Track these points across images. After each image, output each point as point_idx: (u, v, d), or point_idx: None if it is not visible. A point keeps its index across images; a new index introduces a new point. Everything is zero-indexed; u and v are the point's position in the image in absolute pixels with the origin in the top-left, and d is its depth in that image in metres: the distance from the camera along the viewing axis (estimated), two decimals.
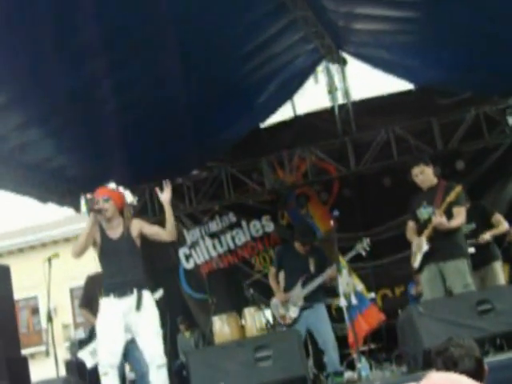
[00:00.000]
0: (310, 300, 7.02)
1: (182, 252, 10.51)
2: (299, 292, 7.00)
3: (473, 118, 9.27)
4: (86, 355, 6.64)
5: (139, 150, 8.44)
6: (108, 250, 5.24)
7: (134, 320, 5.09)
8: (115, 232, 5.27)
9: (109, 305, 5.12)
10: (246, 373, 5.74)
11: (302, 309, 6.99)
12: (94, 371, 5.53)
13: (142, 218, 10.18)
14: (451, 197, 6.14)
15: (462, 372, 2.30)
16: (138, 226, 5.32)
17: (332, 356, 6.83)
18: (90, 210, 5.22)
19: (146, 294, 5.19)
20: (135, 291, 5.10)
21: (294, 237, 7.33)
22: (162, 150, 8.77)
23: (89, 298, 6.86)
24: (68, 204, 9.00)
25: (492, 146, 9.46)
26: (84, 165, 8.53)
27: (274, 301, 7.24)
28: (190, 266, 10.51)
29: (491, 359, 4.92)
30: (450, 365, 2.36)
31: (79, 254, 5.18)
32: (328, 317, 7.09)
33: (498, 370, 4.49)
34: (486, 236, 7.11)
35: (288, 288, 7.13)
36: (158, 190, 5.78)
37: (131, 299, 5.09)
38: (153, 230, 5.37)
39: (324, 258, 7.22)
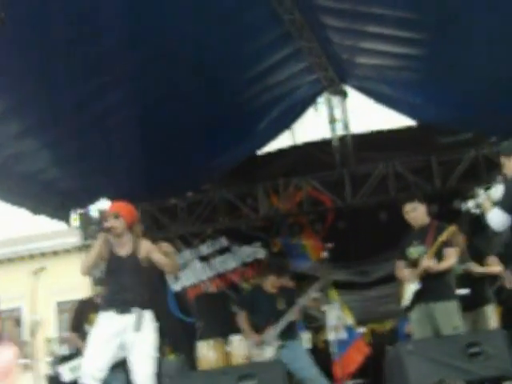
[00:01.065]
0: (284, 338, 6.93)
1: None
2: (273, 332, 6.91)
3: (472, 158, 9.27)
4: (65, 370, 6.54)
5: (134, 169, 8.39)
6: (114, 266, 5.15)
7: (130, 339, 4.99)
8: (123, 249, 5.18)
9: (107, 319, 5.03)
10: None
11: (279, 348, 6.89)
12: None
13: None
14: (443, 237, 6.10)
15: None
16: (147, 249, 5.21)
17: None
18: (100, 229, 5.16)
19: (148, 314, 5.10)
20: (136, 310, 5.02)
21: (268, 272, 7.28)
22: (157, 171, 8.72)
23: (78, 322, 6.76)
24: (59, 217, 8.93)
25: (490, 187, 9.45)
26: (77, 179, 8.47)
27: (249, 343, 7.13)
28: (177, 288, 10.39)
29: None
30: None
31: (87, 271, 5.14)
32: (307, 351, 7.00)
33: None
34: (478, 269, 7.05)
35: (260, 329, 7.05)
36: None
37: (131, 318, 5.00)
38: (160, 260, 5.23)
39: (293, 295, 7.17)
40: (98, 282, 6.92)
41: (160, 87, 7.10)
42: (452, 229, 6.14)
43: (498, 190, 5.38)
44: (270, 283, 7.08)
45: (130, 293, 5.05)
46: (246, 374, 5.72)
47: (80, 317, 6.77)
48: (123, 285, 5.07)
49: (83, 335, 5.42)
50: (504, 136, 9.14)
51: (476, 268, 7.06)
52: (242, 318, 7.17)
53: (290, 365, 6.74)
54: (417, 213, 6.40)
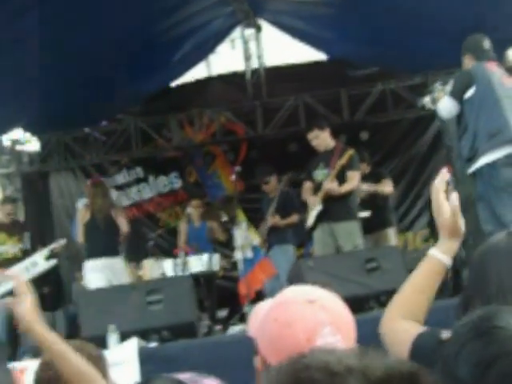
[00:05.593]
0: None
1: (82, 203, 10.39)
2: None
3: (379, 92, 9.60)
4: None
5: (47, 97, 8.31)
6: None
7: None
8: None
9: None
10: (136, 316, 5.85)
11: None
12: None
13: (48, 168, 10.22)
14: (343, 160, 6.41)
15: None
16: None
17: None
18: None
19: None
20: None
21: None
22: (71, 98, 8.65)
23: None
24: None
25: (396, 120, 9.89)
26: None
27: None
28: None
29: (375, 314, 5.18)
30: None
31: None
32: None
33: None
34: (364, 187, 7.39)
35: None
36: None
37: None
38: None
39: None
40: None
41: (71, 12, 7.01)
42: (350, 153, 6.46)
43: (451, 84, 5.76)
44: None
45: None
46: (153, 289, 5.92)
47: None
48: None
49: None
50: (411, 72, 9.54)
51: (362, 187, 7.42)
52: None
53: None
54: (319, 140, 6.71)
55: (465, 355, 1.12)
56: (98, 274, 7.21)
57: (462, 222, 1.79)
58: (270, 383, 0.65)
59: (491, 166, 5.31)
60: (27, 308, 2.05)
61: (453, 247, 1.79)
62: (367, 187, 7.44)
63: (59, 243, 7.34)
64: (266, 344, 1.56)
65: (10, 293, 2.18)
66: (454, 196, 1.80)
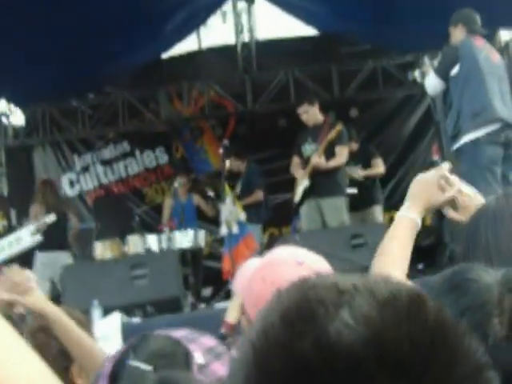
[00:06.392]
0: None
1: (68, 178, 10.31)
2: None
3: (370, 69, 9.53)
4: None
5: (35, 68, 8.18)
6: None
7: None
8: None
9: None
10: (121, 290, 5.80)
11: None
12: None
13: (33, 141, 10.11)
14: (332, 135, 6.36)
15: None
16: None
17: None
18: None
19: None
20: None
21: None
22: (56, 69, 8.52)
23: None
24: None
25: (386, 98, 9.84)
26: None
27: None
28: (73, 192, 10.33)
29: None
30: None
31: None
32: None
33: None
34: (360, 173, 7.42)
35: None
36: None
37: None
38: None
39: None
40: None
41: None
42: (339, 128, 6.41)
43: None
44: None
45: None
46: (138, 263, 5.86)
47: None
48: None
49: None
50: (402, 50, 9.47)
51: (359, 173, 7.43)
52: None
53: None
54: (308, 115, 6.67)
55: None
56: (44, 266, 7.41)
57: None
58: (269, 309, 0.64)
59: (474, 143, 5.32)
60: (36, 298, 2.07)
61: (422, 213, 1.81)
62: (363, 173, 7.44)
63: (49, 219, 7.22)
64: (252, 302, 1.60)
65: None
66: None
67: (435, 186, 1.80)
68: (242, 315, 1.65)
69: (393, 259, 1.75)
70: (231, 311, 3.01)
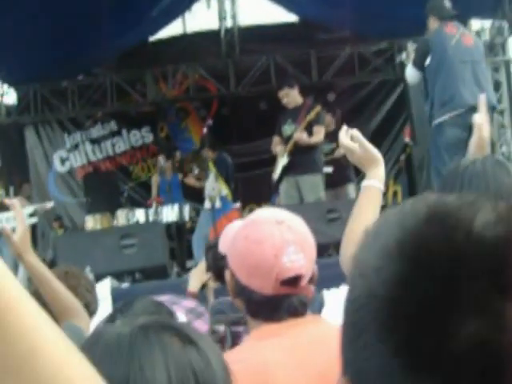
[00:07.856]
0: None
1: (59, 155, 10.72)
2: None
3: (347, 55, 9.94)
4: None
5: (26, 49, 8.47)
6: None
7: None
8: None
9: None
10: (111, 258, 6.18)
11: None
12: None
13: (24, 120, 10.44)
14: (311, 115, 6.78)
15: None
16: None
17: None
18: None
19: None
20: None
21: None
22: (48, 51, 8.83)
23: None
24: None
25: (362, 83, 10.29)
26: None
27: None
28: (64, 169, 10.75)
29: (334, 260, 5.55)
30: None
31: None
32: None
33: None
34: (342, 151, 7.81)
35: None
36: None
37: None
38: None
39: None
40: None
41: None
42: (317, 109, 6.82)
43: None
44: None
45: None
46: (127, 233, 6.25)
47: None
48: None
49: None
50: (378, 37, 9.89)
51: (340, 151, 7.82)
52: None
53: None
54: (288, 97, 7.05)
55: None
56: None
57: (373, 149, 2.03)
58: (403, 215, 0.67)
59: (438, 126, 5.62)
60: (21, 236, 2.11)
61: (378, 173, 2.00)
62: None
63: (46, 205, 7.53)
64: (236, 259, 1.66)
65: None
66: (354, 131, 2.02)
67: (352, 153, 2.00)
68: (226, 270, 1.69)
69: (359, 221, 1.90)
70: (192, 280, 3.13)
